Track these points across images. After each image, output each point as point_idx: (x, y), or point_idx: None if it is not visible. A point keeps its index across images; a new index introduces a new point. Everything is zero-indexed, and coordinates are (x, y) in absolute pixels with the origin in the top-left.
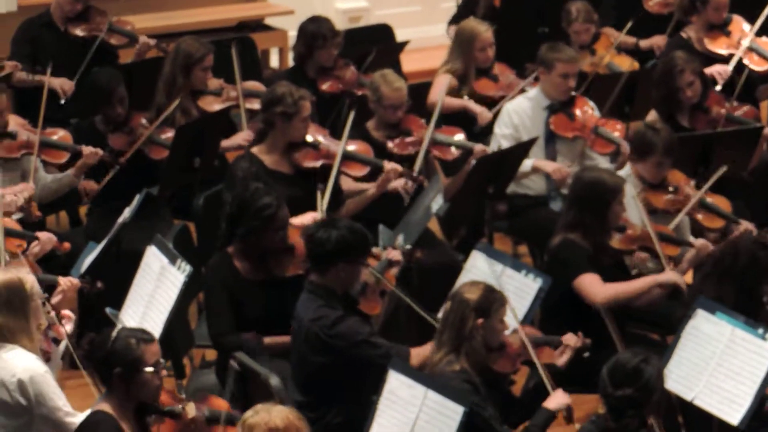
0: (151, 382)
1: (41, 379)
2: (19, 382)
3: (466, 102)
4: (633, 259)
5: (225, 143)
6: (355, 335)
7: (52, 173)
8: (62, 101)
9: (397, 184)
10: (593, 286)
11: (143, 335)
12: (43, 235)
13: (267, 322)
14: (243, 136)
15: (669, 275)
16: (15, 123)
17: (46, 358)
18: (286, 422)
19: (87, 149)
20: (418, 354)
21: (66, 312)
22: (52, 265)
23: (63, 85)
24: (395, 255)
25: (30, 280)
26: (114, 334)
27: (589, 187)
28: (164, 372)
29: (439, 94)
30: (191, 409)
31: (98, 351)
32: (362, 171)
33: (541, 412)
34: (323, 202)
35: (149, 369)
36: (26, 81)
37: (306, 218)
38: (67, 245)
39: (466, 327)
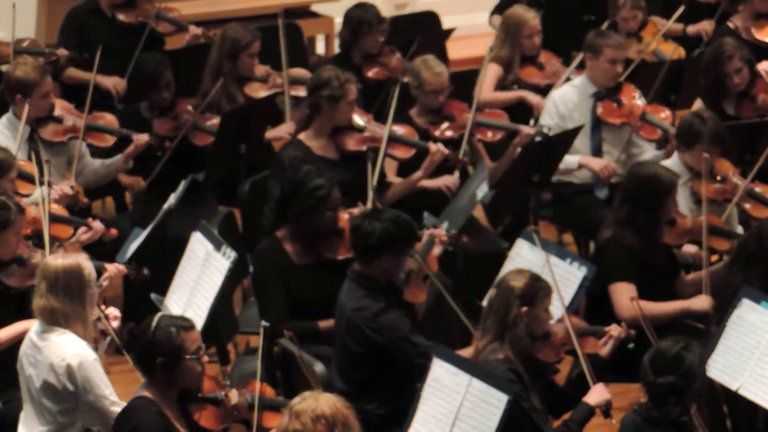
0: (192, 369)
1: (90, 366)
2: (68, 366)
3: (522, 92)
4: (682, 254)
5: (268, 134)
6: (396, 331)
7: (97, 158)
8: (116, 101)
9: (440, 183)
10: (623, 300)
11: (183, 323)
12: (93, 224)
13: (317, 306)
14: (286, 128)
15: (702, 303)
16: (61, 107)
17: (94, 347)
18: (333, 409)
19: (135, 136)
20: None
21: (113, 311)
22: (97, 251)
23: (116, 85)
24: (439, 233)
25: (88, 266)
26: (154, 323)
27: (644, 182)
28: (206, 358)
29: (481, 82)
30: (234, 396)
31: (139, 341)
32: (408, 153)
33: (581, 407)
34: (372, 185)
35: (191, 356)
36: (77, 78)
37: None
38: (114, 231)
39: (511, 315)
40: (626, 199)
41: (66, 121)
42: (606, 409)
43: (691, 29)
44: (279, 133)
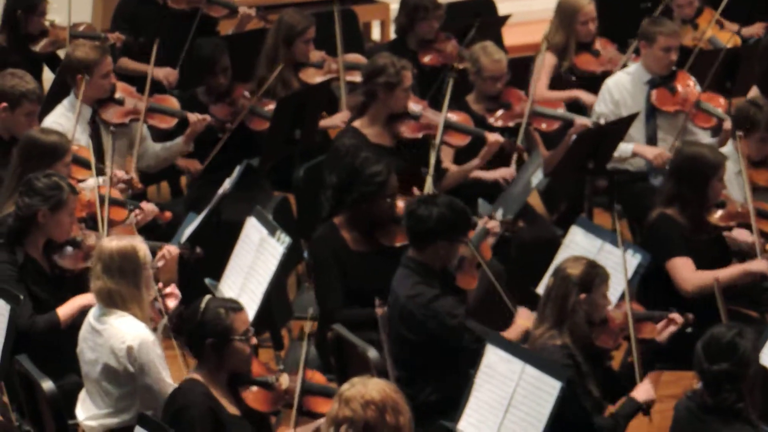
0: (241, 351)
1: (150, 347)
2: (128, 349)
3: (576, 92)
4: (735, 240)
5: (323, 123)
6: (450, 317)
7: (158, 140)
8: (167, 93)
9: (497, 175)
10: (684, 272)
11: (232, 304)
12: (146, 206)
13: (374, 293)
14: (340, 117)
15: (759, 264)
16: (123, 90)
17: (153, 327)
18: (383, 395)
19: (193, 116)
20: (510, 338)
21: (173, 290)
22: (153, 236)
23: (168, 76)
24: (493, 225)
25: (143, 248)
26: (203, 305)
27: (689, 161)
28: (254, 340)
29: (538, 72)
30: (285, 381)
31: (189, 323)
32: (464, 141)
33: (630, 403)
34: (430, 171)
35: (239, 338)
36: (129, 69)
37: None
38: (168, 214)
39: (569, 302)
40: (672, 177)
41: (127, 102)
42: (647, 407)
43: (746, 31)
44: (333, 121)
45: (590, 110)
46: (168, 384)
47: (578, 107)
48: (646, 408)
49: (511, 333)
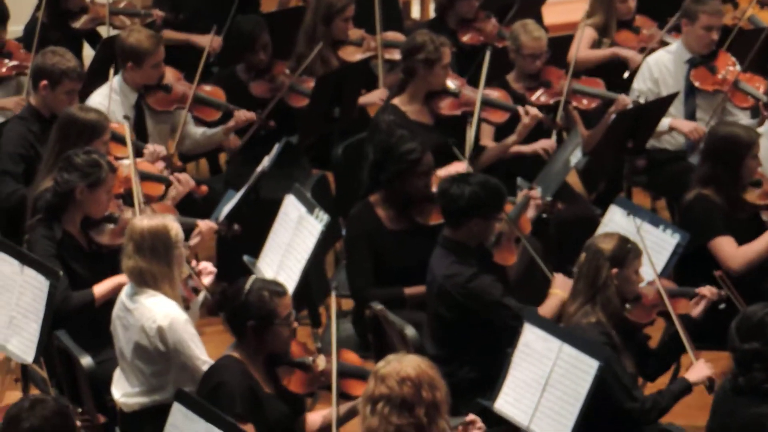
0: (281, 334)
1: (181, 327)
2: (158, 328)
3: (615, 49)
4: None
5: (362, 99)
6: (488, 295)
7: (199, 127)
8: (211, 60)
9: (537, 147)
10: (729, 251)
11: (276, 288)
12: (181, 177)
13: (409, 271)
14: (379, 94)
15: None
16: (171, 76)
17: (186, 306)
18: (418, 371)
19: (239, 114)
20: (545, 314)
21: (207, 266)
22: (191, 213)
23: (213, 42)
24: (534, 194)
25: (175, 227)
26: (247, 285)
27: (722, 141)
28: (296, 324)
29: (576, 47)
30: (321, 362)
31: (231, 302)
32: (502, 117)
33: (679, 382)
34: (467, 149)
35: (281, 322)
36: (171, 39)
37: (452, 168)
38: (204, 188)
39: (601, 277)
40: (707, 157)
41: (175, 90)
42: (711, 385)
43: None
44: (372, 98)
45: (631, 65)
46: (202, 362)
47: (618, 69)
48: (709, 386)
49: (548, 305)
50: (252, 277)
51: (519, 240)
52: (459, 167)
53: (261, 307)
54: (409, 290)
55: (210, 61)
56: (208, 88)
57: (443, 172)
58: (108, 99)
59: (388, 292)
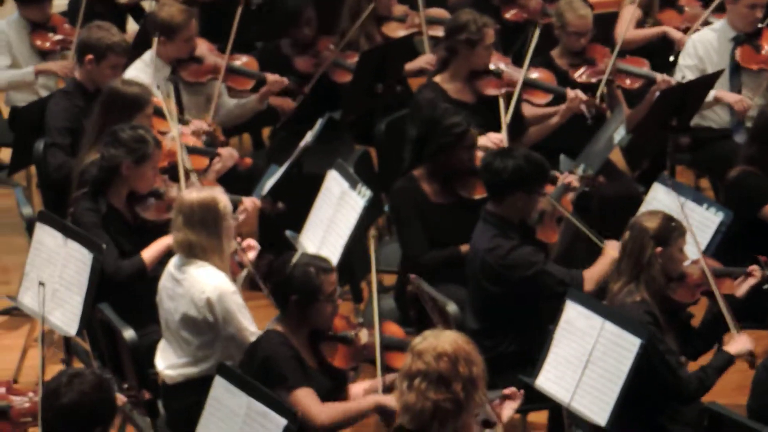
0: (325, 310)
1: (229, 298)
2: (207, 299)
3: (664, 28)
4: None
5: (408, 66)
6: (529, 265)
7: (235, 98)
8: (253, 5)
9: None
10: None
11: (322, 264)
12: (224, 151)
13: (453, 244)
14: (426, 59)
15: None
16: (203, 47)
17: (232, 279)
18: (455, 346)
19: (272, 77)
20: (592, 277)
21: (251, 242)
22: (234, 188)
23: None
24: (572, 179)
25: (224, 199)
26: (294, 260)
27: None
28: (339, 301)
29: (623, 25)
30: (363, 336)
31: (277, 275)
32: (545, 99)
33: (721, 355)
34: (503, 124)
35: (325, 298)
36: None
37: (491, 137)
38: (248, 160)
39: (645, 255)
40: (754, 138)
41: (207, 61)
42: (752, 359)
43: None
44: (419, 63)
45: (678, 46)
46: (251, 333)
47: (665, 49)
48: (751, 361)
49: (599, 264)
50: (299, 252)
51: (560, 220)
52: (497, 137)
53: (306, 282)
54: (465, 247)
55: (254, 9)
56: (240, 58)
57: (483, 140)
58: (142, 72)
59: (443, 253)
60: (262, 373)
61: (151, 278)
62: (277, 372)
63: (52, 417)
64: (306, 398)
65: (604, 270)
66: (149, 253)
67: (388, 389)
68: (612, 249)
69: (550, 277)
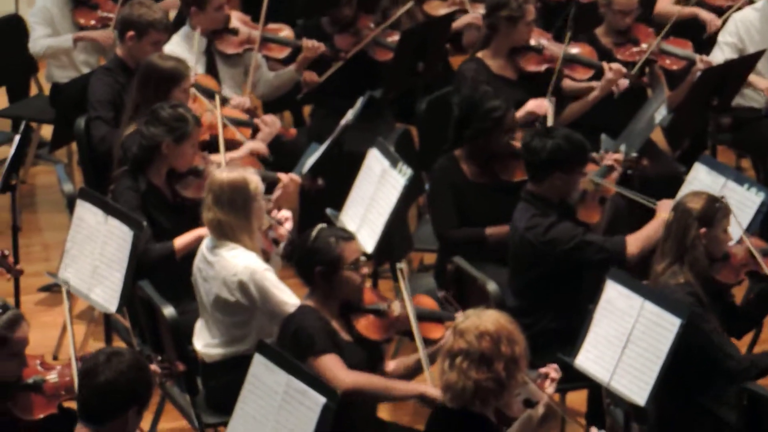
0: (351, 280)
1: (262, 276)
2: (239, 282)
3: (696, 9)
4: None
5: (456, 23)
6: (569, 238)
7: (275, 70)
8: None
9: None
10: None
11: (342, 233)
12: (267, 119)
13: (494, 225)
14: (473, 16)
15: None
16: (237, 19)
17: (266, 258)
18: (497, 326)
19: (307, 42)
20: (635, 241)
21: (285, 213)
22: (275, 164)
23: None
24: (614, 158)
25: (255, 180)
26: (314, 233)
27: None
28: (365, 270)
29: (668, 4)
30: (396, 308)
31: (299, 250)
32: (586, 74)
33: None
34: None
35: (349, 267)
36: None
37: (529, 105)
38: (293, 131)
39: (689, 236)
40: None
41: (241, 33)
42: None
43: None
44: (467, 18)
45: (709, 28)
46: (291, 305)
47: (697, 28)
48: None
49: (650, 225)
50: (319, 225)
51: (603, 200)
52: (536, 104)
53: (327, 251)
54: (490, 230)
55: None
56: (275, 26)
57: (521, 112)
58: (178, 46)
59: (469, 231)
60: (293, 345)
61: (191, 254)
62: (306, 340)
63: (88, 394)
64: (331, 362)
65: (651, 232)
66: (181, 241)
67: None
68: (665, 210)
69: (591, 246)
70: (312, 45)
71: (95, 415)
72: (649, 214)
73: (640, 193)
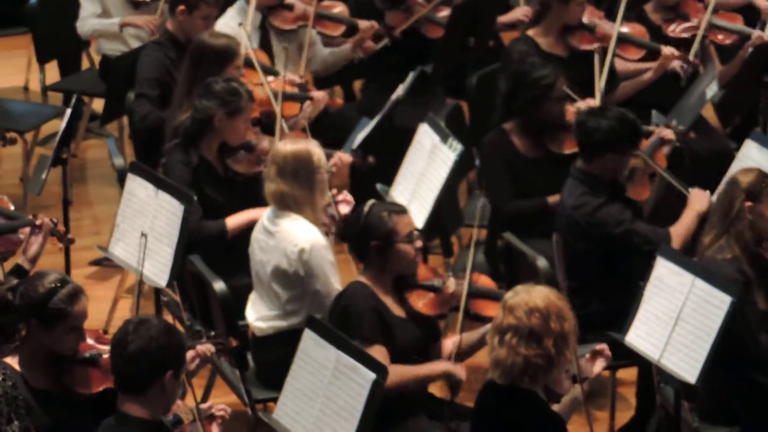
0: (405, 253)
1: (321, 252)
2: (300, 251)
3: None
4: None
5: (502, 18)
6: (617, 223)
7: (328, 46)
8: None
9: (675, 64)
10: None
11: (394, 207)
12: (316, 94)
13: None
14: (522, 11)
15: None
16: None
17: (326, 232)
18: (547, 302)
19: (363, 23)
20: (679, 233)
21: (347, 195)
22: (324, 137)
23: None
24: (667, 133)
25: (318, 152)
26: (366, 208)
27: None
28: (419, 243)
29: None
30: (451, 284)
31: (352, 227)
32: (637, 54)
33: None
34: (600, 83)
35: (403, 240)
36: None
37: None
38: (339, 101)
39: (734, 208)
40: None
41: (296, 8)
42: None
43: None
44: (515, 15)
45: (764, 15)
46: (336, 289)
47: (753, 14)
48: None
49: (683, 221)
50: (370, 201)
51: (653, 176)
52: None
53: (380, 226)
54: (552, 198)
55: None
56: (330, 3)
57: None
58: (232, 21)
59: (530, 203)
60: (341, 321)
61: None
62: (354, 323)
63: (122, 365)
64: (376, 356)
65: (688, 224)
66: (234, 221)
67: (459, 357)
68: (696, 201)
69: (637, 236)
70: (368, 26)
71: (131, 384)
72: (705, 188)
73: (692, 170)
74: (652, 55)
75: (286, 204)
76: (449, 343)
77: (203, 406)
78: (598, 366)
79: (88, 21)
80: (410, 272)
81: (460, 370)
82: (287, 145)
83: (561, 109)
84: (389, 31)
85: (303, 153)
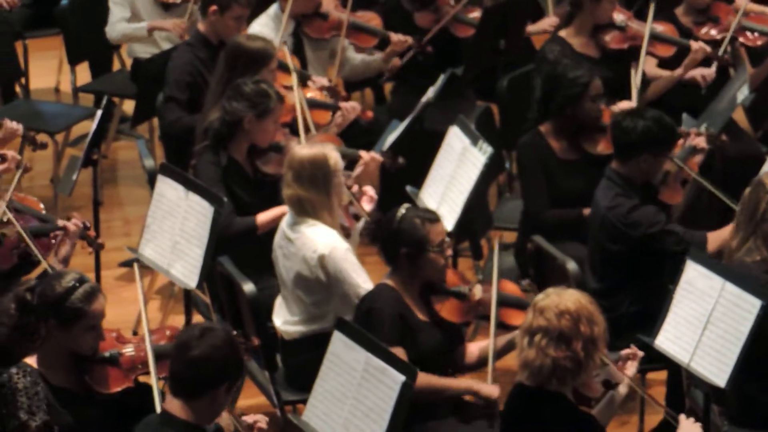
0: (435, 261)
1: (341, 255)
2: (319, 258)
3: None
4: None
5: (530, 28)
6: (652, 223)
7: (360, 53)
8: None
9: (696, 73)
10: None
11: (428, 215)
12: (346, 105)
13: (579, 201)
14: (549, 22)
15: None
16: (328, 2)
17: (346, 234)
18: (578, 305)
19: (396, 37)
20: (716, 239)
21: (369, 190)
22: (355, 142)
23: None
24: (700, 141)
25: (334, 156)
26: (400, 213)
27: None
28: (450, 252)
29: None
30: (478, 291)
31: (385, 231)
32: (669, 51)
33: None
34: (635, 83)
35: (434, 249)
36: None
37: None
38: (369, 113)
39: (759, 209)
40: None
41: (331, 17)
42: None
43: None
44: (542, 26)
45: None
46: (364, 290)
47: None
48: None
49: (725, 229)
50: (405, 205)
51: (685, 181)
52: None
53: (413, 233)
54: (588, 210)
55: None
56: (364, 14)
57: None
58: (266, 27)
59: (566, 212)
60: (364, 323)
61: (271, 232)
62: (376, 325)
63: (181, 368)
64: None
65: (725, 235)
66: (264, 217)
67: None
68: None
69: (672, 236)
70: (400, 39)
71: (186, 388)
72: (732, 192)
73: (723, 173)
74: (684, 52)
75: (303, 209)
76: (475, 348)
77: (246, 418)
78: (631, 368)
79: (117, 26)
80: (439, 279)
81: (487, 389)
82: (304, 150)
83: (598, 108)
84: (423, 47)
85: (319, 157)
